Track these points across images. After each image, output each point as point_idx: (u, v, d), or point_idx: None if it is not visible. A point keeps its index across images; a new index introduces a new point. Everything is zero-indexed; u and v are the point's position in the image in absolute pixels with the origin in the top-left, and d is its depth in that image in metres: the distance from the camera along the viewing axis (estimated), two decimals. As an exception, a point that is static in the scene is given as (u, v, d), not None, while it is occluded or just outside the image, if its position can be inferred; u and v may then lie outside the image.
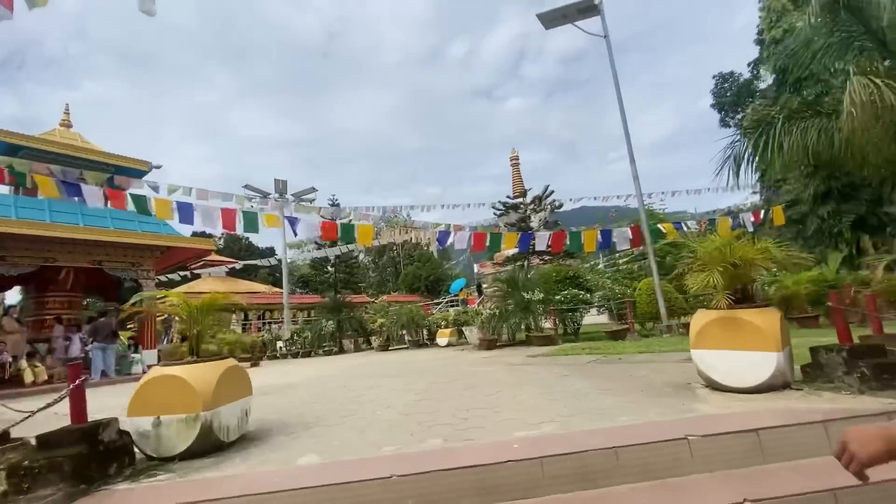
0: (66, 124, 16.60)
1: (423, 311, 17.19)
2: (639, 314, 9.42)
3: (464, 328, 14.46)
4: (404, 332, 17.07)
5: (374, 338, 18.50)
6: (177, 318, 33.29)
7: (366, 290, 50.75)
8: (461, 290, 29.93)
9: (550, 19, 10.64)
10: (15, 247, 13.03)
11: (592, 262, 20.78)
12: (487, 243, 10.95)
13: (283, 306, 31.47)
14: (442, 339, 14.78)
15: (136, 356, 14.72)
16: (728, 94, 32.76)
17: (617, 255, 21.26)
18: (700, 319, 3.43)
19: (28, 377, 12.35)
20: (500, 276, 12.00)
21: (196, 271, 34.16)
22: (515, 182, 36.79)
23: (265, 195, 29.65)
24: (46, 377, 12.93)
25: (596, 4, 10.11)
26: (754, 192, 30.69)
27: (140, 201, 9.34)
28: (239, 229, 9.95)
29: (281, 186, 30.59)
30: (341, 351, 19.24)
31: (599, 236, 11.55)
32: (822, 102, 8.07)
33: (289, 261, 38.89)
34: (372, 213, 23.98)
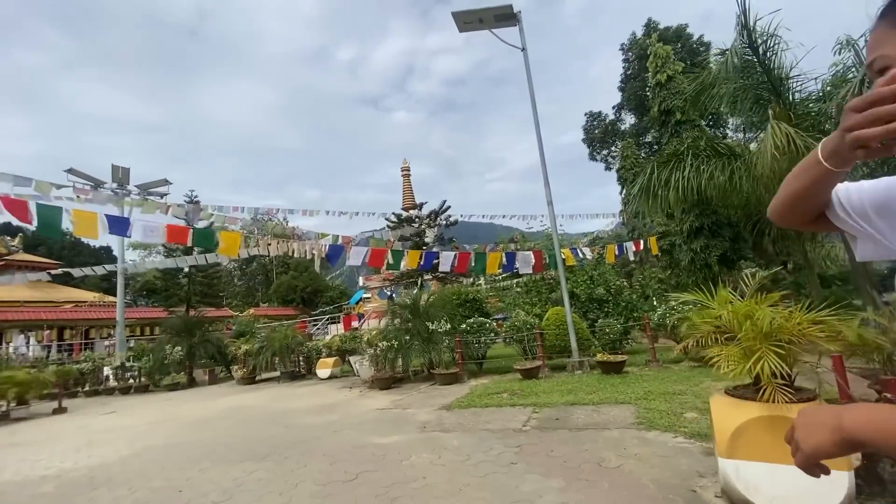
0: None
1: (299, 336, 14.74)
2: (546, 346, 8.79)
3: (350, 357, 12.55)
4: (276, 359, 14.41)
5: (235, 367, 15.36)
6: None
7: (229, 302, 44.59)
8: (359, 301, 27.53)
9: (466, 21, 9.72)
10: None
11: (476, 283, 20.52)
12: (389, 260, 9.41)
13: (115, 322, 25.38)
14: (323, 371, 12.64)
15: None
16: (596, 130, 36.50)
17: (508, 274, 21.40)
18: (732, 414, 2.47)
19: None
20: (396, 298, 10.51)
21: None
22: (406, 193, 35.72)
23: (97, 185, 23.70)
24: None
25: (514, 14, 9.47)
26: (614, 221, 34.02)
27: None
28: (35, 226, 6.81)
29: (121, 175, 24.79)
30: (192, 383, 15.63)
31: (504, 259, 10.88)
32: (698, 147, 8.56)
33: (131, 263, 32.15)
34: (241, 216, 20.50)
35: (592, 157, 36.55)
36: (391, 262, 9.46)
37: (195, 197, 21.58)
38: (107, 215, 7.31)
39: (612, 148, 36.03)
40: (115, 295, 37.00)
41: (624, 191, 25.18)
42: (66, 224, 6.87)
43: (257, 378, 14.33)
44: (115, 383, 17.80)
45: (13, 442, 7.47)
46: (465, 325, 9.38)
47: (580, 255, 12.29)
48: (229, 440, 5.84)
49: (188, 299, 22.95)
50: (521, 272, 11.27)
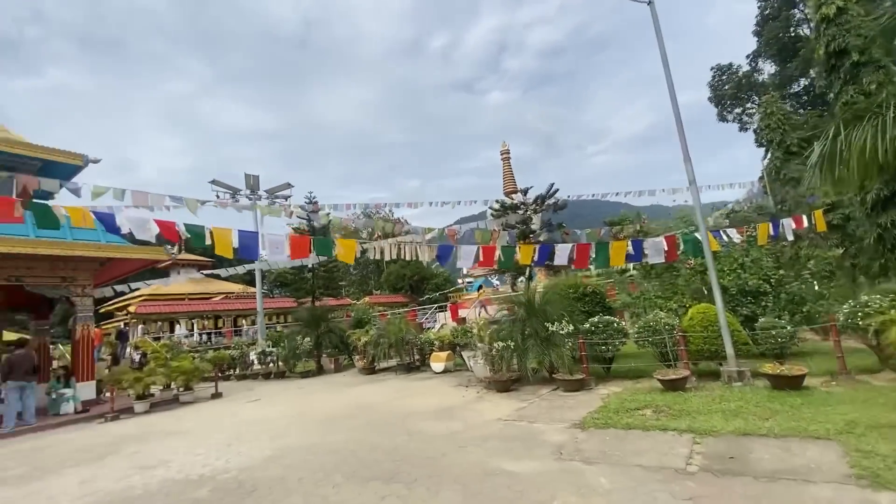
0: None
1: (413, 328, 15.00)
2: (690, 351, 7.49)
3: (463, 353, 12.37)
4: (391, 350, 14.90)
5: (357, 357, 16.28)
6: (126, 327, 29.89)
7: (347, 290, 48.33)
8: (480, 288, 27.44)
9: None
10: None
11: (597, 272, 18.91)
12: (500, 257, 8.86)
13: (256, 312, 28.86)
14: (437, 365, 12.67)
15: (68, 392, 12.14)
16: (726, 86, 31.38)
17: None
18: None
19: (-85, 431, 9.71)
20: (500, 287, 9.91)
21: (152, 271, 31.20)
22: (507, 177, 34.74)
23: (235, 192, 26.89)
24: (-57, 428, 10.28)
25: (636, -39, 8.06)
26: (753, 188, 29.20)
27: (43, 212, 6.88)
28: (185, 242, 7.65)
29: (252, 182, 27.79)
30: (320, 370, 16.96)
31: (630, 248, 9.61)
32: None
33: (266, 260, 36.15)
34: (353, 212, 21.53)
35: (722, 118, 31.63)
36: (503, 259, 8.87)
37: (313, 197, 23.32)
38: (239, 232, 7.83)
39: (748, 105, 30.79)
40: (255, 287, 42.21)
41: (768, 154, 21.23)
42: (208, 240, 7.50)
43: (376, 368, 14.99)
44: (259, 367, 20.15)
45: (179, 430, 8.56)
46: (588, 326, 8.46)
47: (724, 237, 10.39)
48: (357, 447, 5.85)
49: (313, 291, 25.31)
50: (650, 262, 9.90)
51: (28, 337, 14.10)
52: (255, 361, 20.81)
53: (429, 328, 24.75)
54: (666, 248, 9.81)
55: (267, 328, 29.31)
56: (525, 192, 16.81)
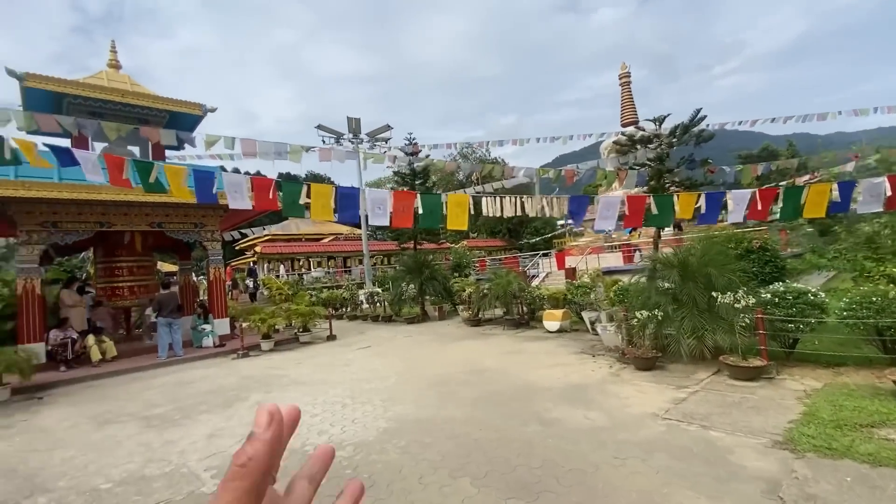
0: (115, 65, 14.61)
1: (522, 283, 13.82)
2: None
3: (585, 314, 10.95)
4: (497, 301, 14.04)
5: (461, 307, 15.78)
6: (255, 264, 32.86)
7: (444, 232, 48.35)
8: (632, 232, 24.76)
9: None
10: (66, 212, 11.62)
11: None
12: (654, 211, 6.96)
13: (362, 254, 30.01)
14: (551, 324, 11.46)
15: (207, 327, 13.40)
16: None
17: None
18: None
19: (95, 355, 11.34)
20: (666, 256, 8.07)
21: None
22: (626, 105, 30.28)
23: (339, 136, 27.11)
24: (115, 353, 11.94)
25: None
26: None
27: (146, 172, 6.73)
28: (281, 205, 7.14)
29: (354, 125, 27.74)
30: (424, 317, 16.87)
31: (836, 193, 7.04)
32: None
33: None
34: (450, 152, 20.17)
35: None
36: (655, 213, 6.96)
37: (413, 139, 22.43)
38: (338, 189, 7.03)
39: None
40: (360, 228, 44.00)
41: None
42: (304, 199, 6.84)
43: (481, 319, 14.32)
44: (367, 307, 20.92)
45: (298, 378, 8.65)
46: (769, 296, 6.44)
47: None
48: (481, 433, 5.00)
49: (414, 236, 25.35)
50: (860, 211, 7.22)
51: (172, 280, 15.79)
52: (364, 302, 21.65)
53: (532, 275, 23.53)
54: (889, 193, 7.04)
55: (373, 270, 30.49)
56: (661, 120, 13.90)
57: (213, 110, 14.56)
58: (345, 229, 46.27)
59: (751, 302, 6.28)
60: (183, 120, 13.95)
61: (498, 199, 7.85)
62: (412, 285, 16.78)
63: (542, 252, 27.82)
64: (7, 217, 11.13)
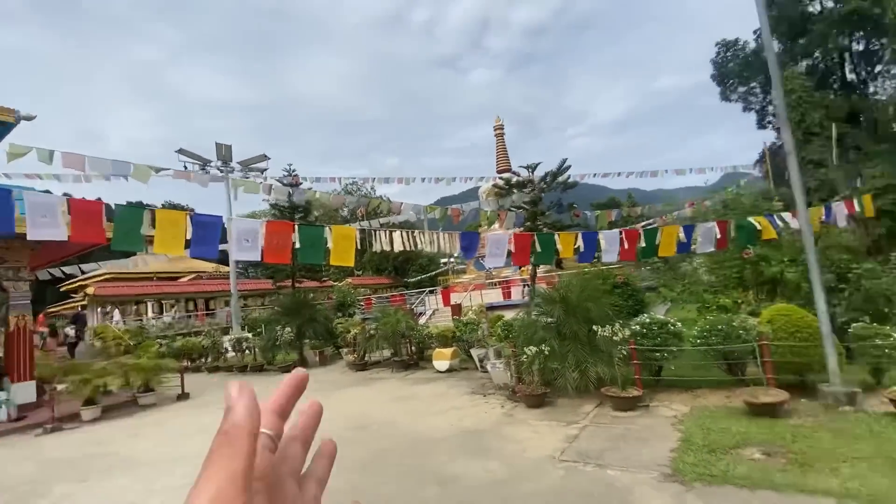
0: None
1: (411, 321, 13.38)
2: (774, 365, 6.09)
3: (473, 351, 10.85)
4: (384, 342, 13.31)
5: (345, 350, 14.62)
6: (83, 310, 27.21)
7: (326, 270, 45.88)
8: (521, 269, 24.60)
9: None
10: None
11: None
12: (538, 249, 7.18)
13: (230, 294, 26.71)
14: (441, 363, 11.11)
15: (1, 395, 10.13)
16: (730, 63, 29.99)
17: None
18: None
19: None
20: (546, 291, 8.35)
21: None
22: (500, 154, 32.87)
23: (205, 163, 24.28)
24: None
25: None
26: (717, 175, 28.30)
27: None
28: (110, 235, 5.67)
29: (224, 152, 25.16)
30: (303, 363, 15.22)
31: (682, 234, 8.14)
32: None
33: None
34: (335, 187, 19.35)
35: (725, 97, 30.35)
36: (539, 251, 7.22)
37: (293, 170, 21.03)
38: (193, 217, 5.86)
39: (752, 84, 29.57)
40: (228, 265, 39.60)
41: (779, 135, 20.05)
42: (147, 228, 5.56)
43: (368, 363, 13.37)
44: (234, 355, 18.32)
45: (131, 454, 6.79)
46: (638, 328, 6.98)
47: (778, 223, 9.02)
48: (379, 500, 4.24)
49: (293, 273, 23.25)
50: (699, 251, 8.46)
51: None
52: (230, 350, 18.95)
53: (420, 313, 23.23)
54: (718, 235, 8.39)
55: (242, 312, 27.24)
56: (533, 168, 15.12)
57: (29, 118, 11.70)
58: (209, 266, 41.09)
59: (626, 334, 6.73)
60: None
61: (388, 232, 7.38)
62: (289, 328, 15.11)
63: (428, 289, 27.87)
64: None
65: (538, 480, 4.44)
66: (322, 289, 30.60)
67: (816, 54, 27.42)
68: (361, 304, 31.52)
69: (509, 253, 7.51)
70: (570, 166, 15.11)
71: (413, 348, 12.90)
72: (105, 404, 10.31)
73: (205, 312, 32.88)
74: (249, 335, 19.33)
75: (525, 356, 7.06)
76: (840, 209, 10.29)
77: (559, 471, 4.63)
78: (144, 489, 5.35)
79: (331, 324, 16.51)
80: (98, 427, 9.17)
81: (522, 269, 25.99)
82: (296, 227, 6.46)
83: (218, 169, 24.07)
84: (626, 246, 7.47)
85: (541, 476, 4.55)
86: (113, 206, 5.62)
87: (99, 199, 5.83)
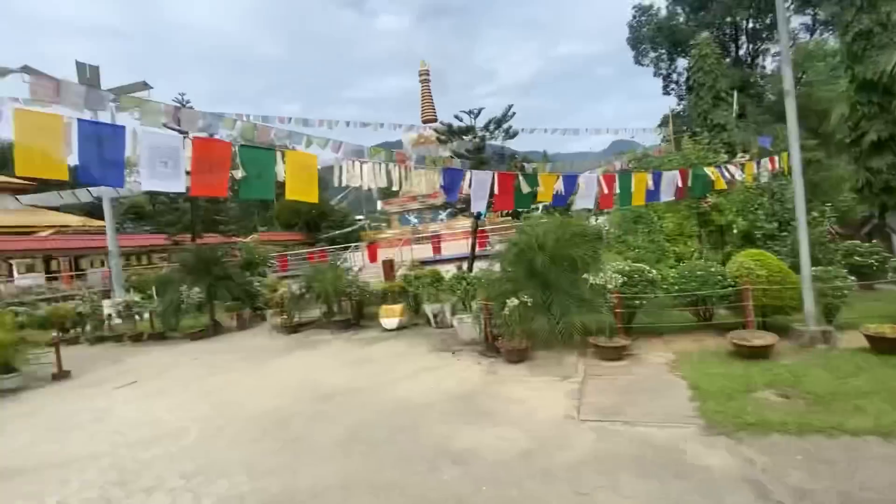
0: None
1: (350, 276, 12.07)
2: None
3: (427, 306, 10.02)
4: (317, 301, 11.92)
5: (270, 312, 12.86)
6: None
7: (225, 225, 40.85)
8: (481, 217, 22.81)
9: None
10: None
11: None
12: (524, 189, 6.33)
13: (108, 252, 22.42)
14: (389, 321, 10.13)
15: None
16: (644, 28, 31.28)
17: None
18: None
19: None
20: (514, 236, 7.67)
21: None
22: (425, 102, 31.11)
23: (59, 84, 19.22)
24: None
25: None
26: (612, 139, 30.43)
27: None
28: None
29: (90, 75, 20.21)
30: (217, 329, 13.19)
31: (650, 182, 7.95)
32: None
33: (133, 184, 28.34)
34: (238, 127, 16.44)
35: (638, 62, 31.79)
36: (525, 192, 6.44)
37: (187, 101, 17.47)
38: (79, 122, 4.08)
39: (661, 50, 31.27)
40: (100, 219, 33.36)
41: (692, 96, 21.41)
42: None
43: (299, 328, 11.88)
44: (120, 322, 15.41)
45: None
46: (622, 276, 6.69)
47: (726, 174, 9.34)
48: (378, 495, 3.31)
49: (192, 227, 19.77)
50: (661, 199, 8.40)
51: None
52: (115, 316, 15.88)
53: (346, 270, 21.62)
54: (679, 184, 8.40)
55: (123, 272, 23.13)
56: (476, 113, 14.19)
57: None
58: (74, 220, 34.28)
59: (619, 281, 6.40)
60: None
61: (358, 164, 6.03)
62: (196, 288, 12.82)
63: (353, 245, 26.15)
64: None
65: (572, 447, 3.87)
66: (226, 245, 27.23)
67: (717, 26, 29.72)
68: (272, 261, 28.68)
69: (490, 194, 6.63)
70: (514, 113, 14.47)
71: (353, 306, 11.70)
72: (-59, 394, 7.71)
73: (73, 274, 27.54)
74: (137, 298, 16.35)
75: (506, 308, 6.41)
76: (765, 165, 11.10)
77: (589, 433, 4.10)
78: (28, 511, 3.79)
79: (248, 283, 14.46)
80: (-67, 425, 6.77)
81: (451, 222, 25.47)
82: (237, 148, 4.85)
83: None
84: (605, 191, 7.06)
85: (572, 441, 3.98)
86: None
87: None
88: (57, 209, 34.48)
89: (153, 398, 6.93)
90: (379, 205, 28.49)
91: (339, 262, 23.08)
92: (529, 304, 6.47)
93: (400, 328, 10.13)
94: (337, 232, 44.47)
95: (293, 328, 11.64)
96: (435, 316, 9.72)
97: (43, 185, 26.12)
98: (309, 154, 5.72)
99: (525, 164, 16.73)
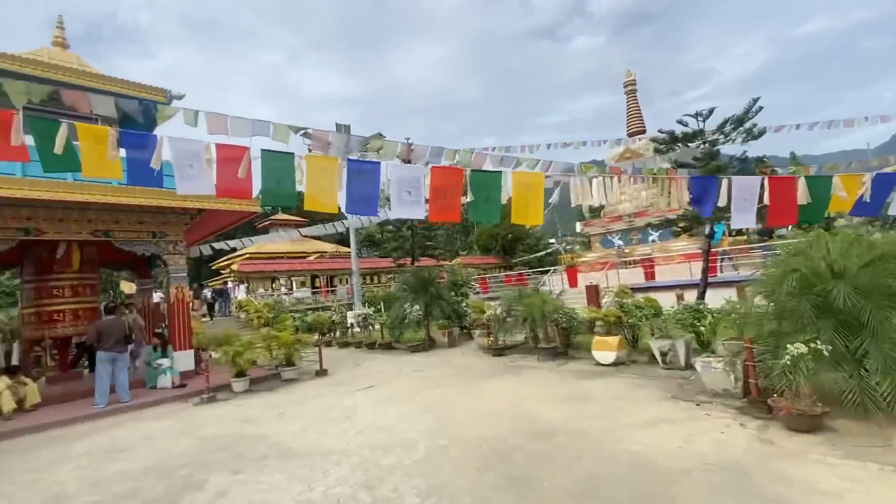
0: (61, 43, 12.11)
1: (557, 303, 11.53)
2: None
3: (653, 341, 8.65)
4: (523, 325, 11.69)
5: (477, 332, 13.34)
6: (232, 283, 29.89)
7: (434, 250, 45.47)
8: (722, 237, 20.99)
9: None
10: (-25, 215, 8.93)
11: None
12: (808, 198, 4.79)
13: (351, 272, 27.41)
14: (605, 354, 9.11)
15: (164, 362, 10.62)
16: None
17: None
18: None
19: (8, 404, 8.50)
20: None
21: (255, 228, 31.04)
22: (632, 114, 28.75)
23: (328, 143, 24.81)
24: (37, 400, 9.10)
25: None
26: None
27: (48, 135, 4.34)
28: (261, 187, 4.86)
29: (344, 131, 25.52)
30: (432, 344, 14.35)
31: None
32: None
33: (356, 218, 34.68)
34: (455, 160, 18.08)
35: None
36: (809, 201, 4.85)
37: (410, 142, 20.26)
38: (349, 165, 4.75)
39: None
40: (347, 246, 41.22)
41: None
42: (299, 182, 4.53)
43: (504, 347, 11.90)
44: (359, 331, 18.38)
45: (280, 444, 6.04)
46: None
47: None
48: None
49: (412, 251, 22.80)
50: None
51: (120, 301, 13.03)
52: (355, 325, 19.08)
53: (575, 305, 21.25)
54: None
55: (361, 289, 27.71)
56: (706, 115, 12.05)
57: (179, 97, 12.10)
58: (329, 247, 43.48)
59: None
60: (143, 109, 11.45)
61: (586, 180, 5.56)
62: (416, 306, 14.29)
63: (550, 269, 25.61)
64: None
65: None
66: (437, 267, 30.09)
67: None
68: (473, 283, 30.30)
69: (763, 209, 5.20)
70: (761, 108, 11.74)
71: (558, 333, 11.06)
72: (252, 377, 10.29)
73: (328, 289, 34.61)
74: (371, 311, 19.26)
75: (786, 355, 4.79)
76: None
77: None
78: (301, 492, 4.39)
79: (459, 303, 15.42)
80: (247, 400, 8.99)
81: (664, 244, 22.38)
82: (465, 173, 4.97)
83: (337, 145, 24.42)
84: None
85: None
86: (259, 152, 4.68)
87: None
88: (318, 238, 44.42)
89: (385, 404, 7.67)
90: (578, 226, 27.23)
91: (537, 286, 22.76)
92: (825, 352, 4.70)
93: (616, 364, 8.99)
94: (531, 255, 44.68)
95: (498, 350, 11.69)
96: (663, 354, 8.26)
97: (311, 221, 34.04)
98: (535, 173, 5.51)
99: (779, 170, 13.43)
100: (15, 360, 10.52)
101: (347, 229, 23.32)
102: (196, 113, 6.81)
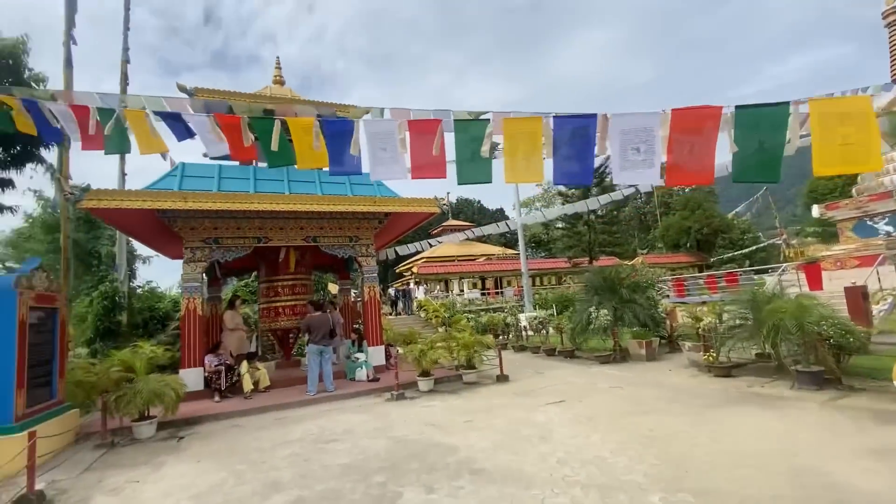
0: (279, 81, 14.36)
1: (824, 308, 8.40)
2: None
3: None
4: (760, 342, 8.90)
5: (688, 344, 10.87)
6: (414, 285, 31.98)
7: (612, 247, 41.49)
8: None
9: None
10: (225, 227, 10.83)
11: None
12: None
13: (519, 273, 26.67)
14: (923, 388, 6.05)
15: (361, 356, 11.38)
16: None
17: None
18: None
19: (247, 385, 10.05)
20: None
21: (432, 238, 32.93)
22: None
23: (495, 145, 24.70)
24: (268, 383, 10.59)
25: None
26: None
27: (266, 133, 4.55)
28: (455, 161, 4.25)
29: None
30: (625, 356, 12.37)
31: None
32: None
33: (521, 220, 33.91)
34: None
35: None
36: None
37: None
38: (555, 117, 3.76)
39: None
40: (512, 248, 40.77)
41: None
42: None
43: (731, 366, 9.28)
44: (532, 334, 17.50)
45: (471, 460, 5.32)
46: None
47: None
48: None
49: (590, 249, 20.71)
50: None
51: (328, 297, 14.67)
52: (528, 328, 18.18)
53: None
54: None
55: (532, 292, 26.62)
56: None
57: (367, 111, 13.05)
58: (496, 249, 43.72)
59: None
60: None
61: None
62: (603, 310, 12.51)
63: (781, 267, 20.36)
64: (174, 234, 10.78)
65: None
66: (625, 266, 27.09)
67: None
68: (662, 285, 26.22)
69: None
70: None
71: (826, 353, 7.99)
72: (436, 377, 10.19)
73: (496, 291, 34.59)
74: (545, 314, 18.06)
75: None
76: None
77: None
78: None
79: (656, 307, 13.04)
80: (432, 402, 8.80)
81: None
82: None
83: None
84: None
85: None
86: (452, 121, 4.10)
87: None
88: (485, 241, 45.08)
89: (586, 427, 6.39)
90: (815, 211, 20.97)
91: (754, 287, 18.14)
92: None
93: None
94: (737, 251, 36.95)
95: (724, 370, 9.15)
96: None
97: (477, 225, 34.62)
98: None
99: None
100: (253, 348, 12.66)
101: (514, 231, 22.65)
102: (382, 110, 6.74)
